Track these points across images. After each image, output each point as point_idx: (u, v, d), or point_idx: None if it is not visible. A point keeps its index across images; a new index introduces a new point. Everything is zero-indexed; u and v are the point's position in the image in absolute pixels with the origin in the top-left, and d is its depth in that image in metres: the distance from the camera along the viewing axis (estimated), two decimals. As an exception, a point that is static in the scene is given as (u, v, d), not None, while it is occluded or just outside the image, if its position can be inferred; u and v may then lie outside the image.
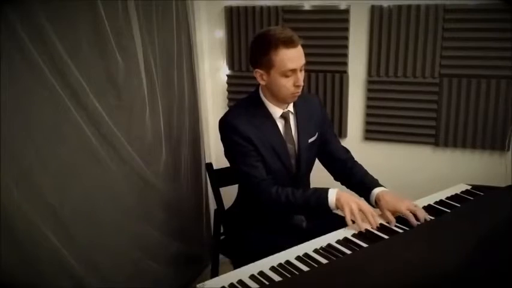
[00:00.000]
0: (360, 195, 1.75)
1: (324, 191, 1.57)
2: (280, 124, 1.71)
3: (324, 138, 1.85)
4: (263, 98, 1.69)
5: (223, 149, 1.74)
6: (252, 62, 1.64)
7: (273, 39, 1.54)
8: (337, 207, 1.54)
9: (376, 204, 1.64)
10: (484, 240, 1.33)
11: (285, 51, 1.53)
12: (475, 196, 1.72)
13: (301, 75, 1.59)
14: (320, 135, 1.81)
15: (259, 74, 1.62)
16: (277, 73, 1.57)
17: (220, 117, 1.73)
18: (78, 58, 1.49)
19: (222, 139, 1.72)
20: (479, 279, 1.14)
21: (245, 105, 1.71)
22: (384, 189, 1.67)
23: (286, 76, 1.57)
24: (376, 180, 1.73)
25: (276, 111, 1.69)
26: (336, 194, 1.55)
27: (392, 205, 1.56)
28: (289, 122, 1.73)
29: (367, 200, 1.69)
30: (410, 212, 1.52)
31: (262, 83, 1.64)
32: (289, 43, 1.53)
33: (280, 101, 1.67)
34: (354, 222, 1.50)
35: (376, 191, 1.65)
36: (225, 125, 1.67)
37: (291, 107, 1.73)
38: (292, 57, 1.55)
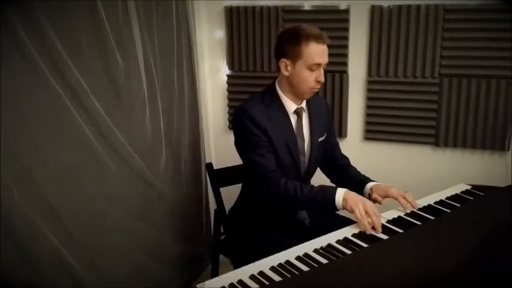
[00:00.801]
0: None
1: (332, 190, 1.59)
2: (293, 119, 1.74)
3: (329, 144, 1.90)
4: (279, 92, 1.73)
5: (233, 139, 1.76)
6: (278, 52, 1.69)
7: (304, 33, 1.61)
8: (343, 208, 1.56)
9: (369, 196, 1.74)
10: (484, 240, 1.33)
11: (315, 45, 1.60)
12: (475, 196, 1.72)
13: (323, 72, 1.66)
14: (327, 137, 1.86)
15: (284, 64, 1.66)
16: (303, 65, 1.62)
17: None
18: (78, 58, 1.50)
19: (235, 128, 1.74)
20: (479, 279, 1.14)
21: (261, 98, 1.73)
22: (376, 182, 1.78)
23: (311, 70, 1.63)
24: (368, 178, 1.83)
25: (291, 106, 1.72)
26: (344, 193, 1.56)
27: (383, 190, 1.69)
28: (302, 118, 1.76)
29: (361, 194, 1.75)
30: (401, 196, 1.64)
31: (285, 73, 1.67)
32: (319, 38, 1.61)
33: (298, 94, 1.71)
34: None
35: (370, 185, 1.76)
36: (242, 114, 1.68)
37: (304, 104, 1.77)
38: (320, 52, 1.62)
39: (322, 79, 1.66)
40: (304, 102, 1.77)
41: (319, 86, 1.68)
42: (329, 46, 1.65)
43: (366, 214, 1.48)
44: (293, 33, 1.63)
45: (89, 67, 1.56)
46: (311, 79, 1.64)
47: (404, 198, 1.63)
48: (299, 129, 1.75)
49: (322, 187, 1.63)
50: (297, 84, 1.67)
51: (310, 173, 1.86)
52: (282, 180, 1.64)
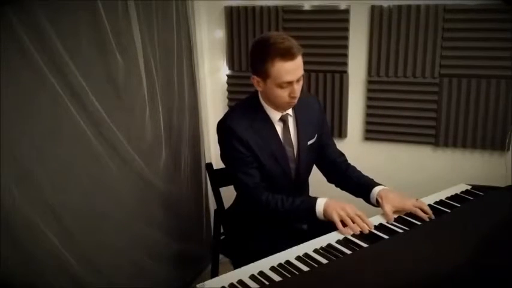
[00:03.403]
0: (357, 196, 1.75)
1: (313, 201, 1.57)
2: (279, 127, 1.71)
3: (322, 142, 1.84)
4: (262, 102, 1.69)
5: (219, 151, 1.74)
6: (250, 66, 1.63)
7: (271, 50, 1.49)
8: (325, 217, 1.53)
9: (377, 202, 1.64)
10: (484, 240, 1.33)
11: (281, 64, 1.49)
12: (475, 196, 1.72)
13: (297, 87, 1.57)
14: (318, 137, 1.80)
15: (256, 81, 1.61)
16: (272, 83, 1.54)
17: (219, 119, 1.72)
18: (78, 58, 1.50)
19: (219, 142, 1.72)
20: (479, 279, 1.14)
21: (244, 108, 1.70)
22: (385, 187, 1.67)
23: (282, 87, 1.54)
24: (372, 179, 1.74)
25: (275, 115, 1.69)
26: (324, 204, 1.54)
27: (398, 203, 1.57)
28: (288, 124, 1.72)
29: (367, 200, 1.69)
30: (417, 207, 1.55)
31: (258, 89, 1.64)
32: (286, 55, 1.48)
33: (276, 108, 1.67)
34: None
35: (377, 189, 1.65)
36: (224, 129, 1.66)
37: (289, 110, 1.72)
38: (289, 70, 1.50)
39: (297, 94, 1.57)
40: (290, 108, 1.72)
41: (294, 101, 1.61)
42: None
43: (348, 217, 1.47)
44: (259, 50, 1.54)
45: (89, 67, 1.56)
46: (284, 95, 1.56)
47: (420, 207, 1.56)
48: (286, 136, 1.71)
49: (303, 200, 1.61)
50: (272, 99, 1.62)
51: (302, 177, 1.82)
52: (264, 195, 1.62)
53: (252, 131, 1.64)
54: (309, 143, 1.76)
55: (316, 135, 1.78)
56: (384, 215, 1.56)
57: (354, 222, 1.48)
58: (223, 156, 1.73)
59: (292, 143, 1.73)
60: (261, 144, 1.65)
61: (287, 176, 1.74)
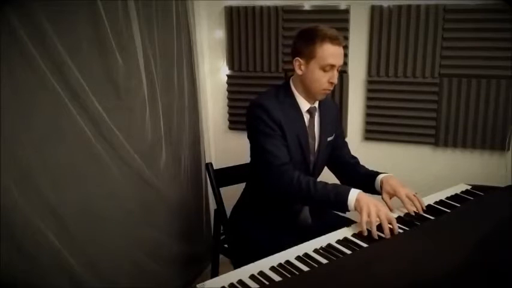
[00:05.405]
0: (365, 190, 1.72)
1: (346, 189, 1.53)
2: (306, 118, 1.74)
3: (337, 143, 1.90)
4: (293, 90, 1.73)
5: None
6: (293, 51, 1.69)
7: (321, 33, 1.60)
8: (355, 208, 1.50)
9: (381, 189, 1.69)
10: (484, 240, 1.33)
11: (329, 46, 1.60)
12: (475, 196, 1.72)
13: (336, 74, 1.65)
14: (335, 137, 1.86)
15: (298, 63, 1.66)
16: (316, 65, 1.62)
17: (251, 102, 1.71)
18: (78, 58, 1.50)
19: (249, 121, 1.71)
20: (479, 279, 1.14)
21: (275, 93, 1.73)
22: (389, 174, 1.73)
23: (325, 70, 1.62)
24: (378, 171, 1.78)
25: (304, 105, 1.73)
26: (358, 194, 1.50)
27: (393, 188, 1.64)
28: (314, 118, 1.76)
29: (373, 190, 1.73)
30: (409, 199, 1.59)
31: (299, 72, 1.67)
32: (334, 40, 1.61)
33: (310, 95, 1.71)
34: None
35: (381, 176, 1.72)
36: (258, 107, 1.67)
37: (316, 104, 1.77)
38: (335, 54, 1.61)
39: (335, 81, 1.65)
40: (317, 102, 1.77)
41: (331, 88, 1.67)
42: (345, 48, 1.63)
43: (377, 219, 1.42)
44: (309, 33, 1.63)
45: (89, 67, 1.56)
46: (324, 80, 1.63)
47: (412, 200, 1.59)
48: (311, 128, 1.75)
49: (335, 185, 1.58)
50: (309, 84, 1.66)
51: (317, 172, 1.85)
52: (296, 173, 1.60)
53: (282, 113, 1.67)
54: (329, 139, 1.82)
55: (333, 134, 1.85)
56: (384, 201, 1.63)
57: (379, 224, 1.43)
58: (252, 134, 1.72)
59: (314, 137, 1.77)
60: (289, 126, 1.67)
61: (305, 166, 1.75)
